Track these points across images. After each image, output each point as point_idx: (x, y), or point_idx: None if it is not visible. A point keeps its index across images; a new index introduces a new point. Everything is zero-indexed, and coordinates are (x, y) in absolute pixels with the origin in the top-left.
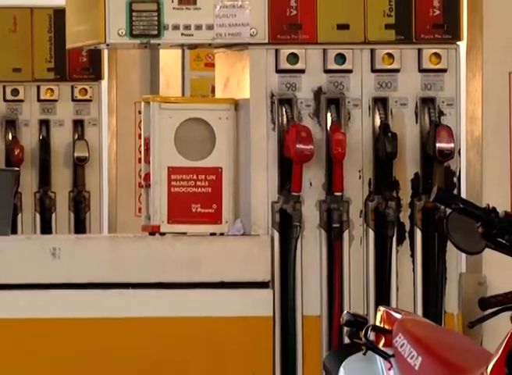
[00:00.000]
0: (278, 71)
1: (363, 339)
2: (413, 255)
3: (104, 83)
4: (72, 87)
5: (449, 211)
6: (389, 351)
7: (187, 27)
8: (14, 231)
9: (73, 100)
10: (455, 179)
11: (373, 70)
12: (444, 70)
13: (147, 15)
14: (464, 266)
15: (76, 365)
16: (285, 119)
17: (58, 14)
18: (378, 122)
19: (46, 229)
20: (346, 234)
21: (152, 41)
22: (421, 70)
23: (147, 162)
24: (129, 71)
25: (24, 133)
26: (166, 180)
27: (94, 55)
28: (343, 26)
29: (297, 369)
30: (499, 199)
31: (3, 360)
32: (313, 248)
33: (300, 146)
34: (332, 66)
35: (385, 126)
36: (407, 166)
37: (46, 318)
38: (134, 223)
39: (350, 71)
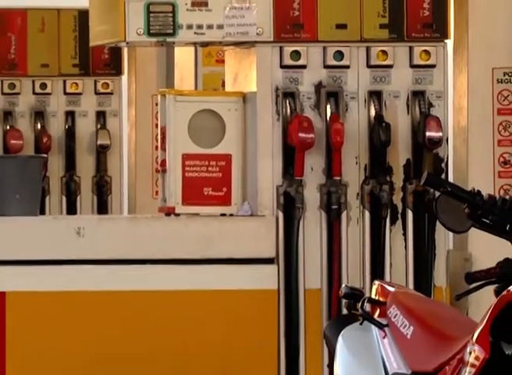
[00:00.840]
0: (282, 67)
1: (359, 310)
2: (405, 234)
3: (124, 77)
4: (95, 81)
5: (437, 194)
6: (384, 322)
7: (200, 27)
8: (42, 212)
9: (96, 93)
10: (443, 165)
11: (368, 66)
12: (433, 66)
13: (163, 16)
14: (451, 243)
15: (97, 334)
16: (288, 111)
17: (83, 15)
18: (373, 113)
19: (71, 210)
20: (344, 215)
21: (168, 40)
22: (412, 66)
23: (163, 149)
24: (146, 67)
25: (52, 123)
26: (181, 165)
27: (115, 52)
28: (342, 26)
29: (300, 337)
30: (483, 183)
31: (32, 329)
32: (314, 227)
33: (302, 135)
34: (331, 62)
35: (379, 116)
36: (400, 153)
37: (70, 291)
38: (151, 204)
39: (347, 67)
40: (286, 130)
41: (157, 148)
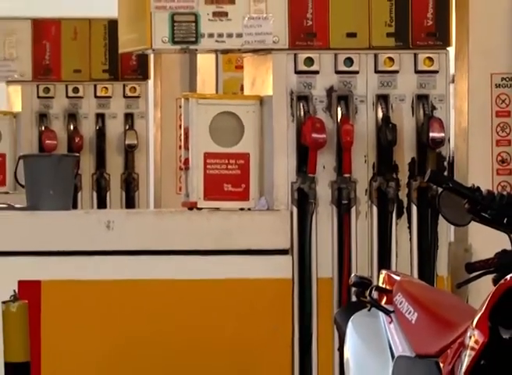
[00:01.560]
0: (296, 72)
1: (368, 298)
2: (409, 227)
3: (150, 82)
4: (124, 85)
5: (440, 190)
6: (390, 308)
7: (220, 35)
8: (75, 207)
9: (124, 96)
10: (445, 163)
11: (376, 71)
12: (436, 72)
13: (187, 25)
14: (453, 236)
15: (124, 319)
16: (302, 113)
17: (112, 24)
18: (380, 115)
19: (101, 205)
20: (353, 210)
21: (191, 47)
22: (417, 72)
23: (187, 148)
24: (171, 72)
25: (83, 124)
26: (202, 163)
27: (142, 59)
28: (351, 35)
29: (312, 323)
30: (482, 180)
31: (64, 315)
32: (326, 221)
33: (314, 135)
34: (342, 68)
35: (386, 118)
36: (405, 152)
37: (100, 280)
38: (175, 199)
39: (356, 72)
40: (299, 131)
41: (180, 147)
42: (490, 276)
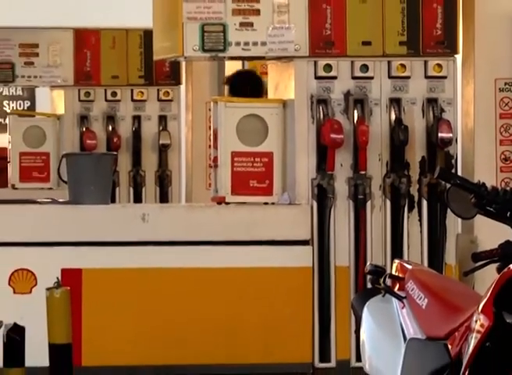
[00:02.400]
0: (316, 78)
1: (382, 285)
2: (420, 220)
3: (182, 87)
4: (158, 90)
5: (448, 186)
6: (402, 294)
7: (246, 44)
8: (113, 201)
9: (158, 100)
10: (453, 161)
11: (389, 77)
12: (444, 77)
13: (215, 34)
14: (460, 228)
15: (158, 303)
16: (321, 115)
17: (147, 34)
18: (393, 117)
19: (137, 199)
20: (368, 204)
21: (219, 55)
22: (427, 77)
23: (215, 147)
24: (201, 78)
25: (121, 125)
26: (230, 161)
27: (175, 65)
28: (367, 43)
29: (331, 307)
30: (487, 176)
31: (103, 300)
32: (343, 214)
33: (333, 136)
34: (358, 73)
35: (399, 120)
36: (416, 151)
37: (135, 268)
38: (205, 195)
39: (371, 78)
40: (319, 132)
41: (210, 146)
42: (494, 265)
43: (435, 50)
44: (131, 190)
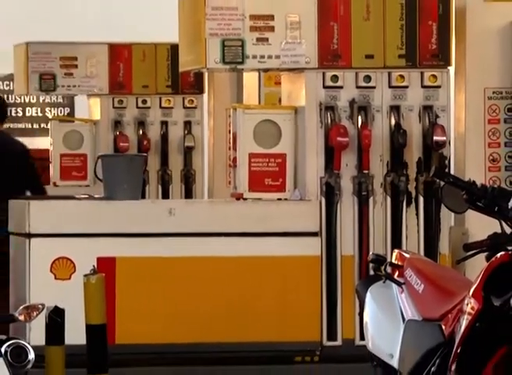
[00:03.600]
0: (324, 87)
1: (383, 272)
2: (417, 214)
3: (205, 95)
4: (183, 98)
5: (442, 183)
6: (401, 280)
7: (262, 57)
8: (143, 197)
9: (184, 107)
10: (446, 161)
11: (390, 87)
12: (439, 86)
13: (235, 48)
14: (453, 221)
15: (183, 289)
16: (329, 120)
17: (174, 48)
18: (393, 122)
19: (165, 195)
20: (371, 200)
21: (238, 67)
22: (423, 86)
23: (235, 149)
24: (222, 87)
25: (151, 130)
26: (247, 162)
27: (198, 76)
28: (370, 56)
29: (337, 292)
30: (477, 175)
31: (135, 285)
32: (348, 209)
33: (339, 139)
34: (362, 83)
35: (398, 125)
36: (413, 153)
37: (163, 257)
38: (225, 191)
39: (373, 87)
40: (327, 135)
41: (229, 148)
42: (484, 255)
43: (430, 62)
44: (159, 187)
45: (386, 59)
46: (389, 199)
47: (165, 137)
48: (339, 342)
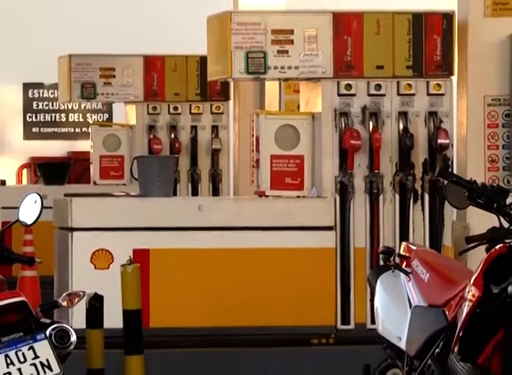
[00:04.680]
0: (339, 95)
1: (392, 262)
2: (423, 210)
3: (231, 102)
4: (211, 105)
5: (446, 182)
6: (409, 270)
7: (283, 68)
8: (174, 194)
9: (212, 113)
10: (450, 162)
11: (398, 94)
12: (443, 94)
13: (258, 60)
14: (455, 216)
15: (211, 278)
16: (343, 125)
17: (203, 59)
18: (401, 126)
19: (194, 193)
20: (381, 197)
21: (261, 77)
22: (429, 94)
23: (258, 151)
24: (246, 95)
25: (181, 134)
26: (269, 162)
27: (225, 85)
28: (380, 67)
29: (351, 280)
30: (477, 175)
31: (166, 275)
32: (360, 205)
33: (352, 142)
34: (373, 91)
35: (405, 129)
36: (420, 154)
37: (193, 248)
38: (249, 189)
39: (383, 95)
40: (341, 139)
41: (253, 150)
42: (483, 247)
43: (435, 72)
44: (189, 185)
45: (395, 70)
46: (397, 196)
47: (194, 140)
48: (352, 326)
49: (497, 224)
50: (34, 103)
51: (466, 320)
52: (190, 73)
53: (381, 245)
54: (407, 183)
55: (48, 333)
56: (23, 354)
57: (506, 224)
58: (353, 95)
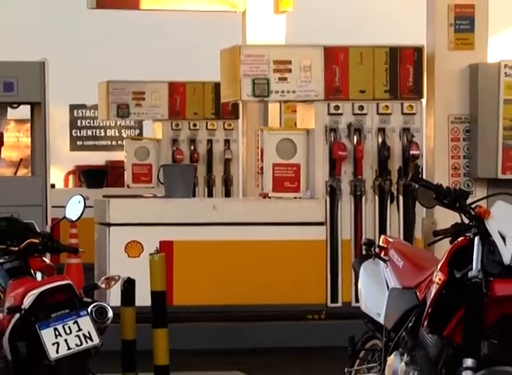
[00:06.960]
0: (329, 114)
1: (373, 252)
2: (398, 209)
3: (240, 120)
4: (224, 122)
5: (417, 186)
6: (386, 258)
7: (283, 92)
8: (194, 196)
9: (224, 129)
10: (420, 169)
11: (378, 113)
12: (414, 113)
13: (262, 85)
14: (424, 214)
15: (223, 265)
16: (332, 139)
17: (217, 85)
18: (380, 140)
19: (210, 195)
20: (364, 198)
21: (265, 99)
22: (403, 113)
23: (262, 160)
24: (252, 114)
25: (200, 146)
26: (271, 170)
27: (235, 106)
28: (363, 91)
29: (338, 267)
30: (443, 180)
31: (187, 263)
32: (347, 205)
33: (340, 153)
34: (357, 111)
35: (384, 142)
36: (395, 163)
37: (208, 240)
38: (255, 191)
39: (366, 114)
40: (331, 150)
41: (258, 160)
42: (448, 239)
43: (408, 95)
44: (206, 189)
45: (375, 93)
46: (377, 198)
47: (210, 152)
48: (339, 304)
49: (459, 221)
50: (79, 121)
51: (434, 300)
52: (206, 96)
53: (363, 238)
54: (384, 186)
55: (89, 310)
56: (69, 327)
57: (466, 220)
58: (341, 114)
